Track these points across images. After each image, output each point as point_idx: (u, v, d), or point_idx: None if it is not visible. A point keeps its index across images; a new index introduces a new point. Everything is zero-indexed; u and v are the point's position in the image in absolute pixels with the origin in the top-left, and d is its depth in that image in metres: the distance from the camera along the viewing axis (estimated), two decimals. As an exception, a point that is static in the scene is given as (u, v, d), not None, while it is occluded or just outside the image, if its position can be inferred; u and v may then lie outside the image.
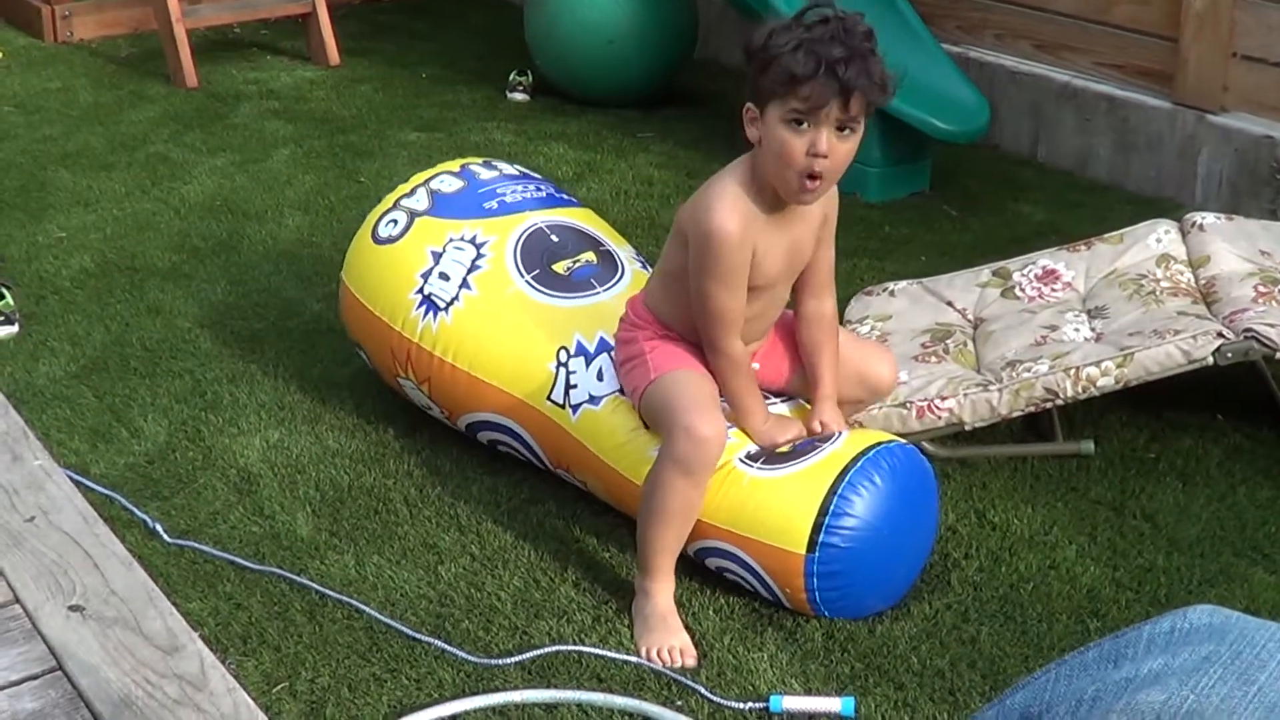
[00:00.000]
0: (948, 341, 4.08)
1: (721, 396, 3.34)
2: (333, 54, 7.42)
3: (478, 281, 3.75)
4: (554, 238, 3.84)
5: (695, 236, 3.23)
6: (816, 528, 3.15)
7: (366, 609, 3.29)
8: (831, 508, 3.15)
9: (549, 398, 3.59)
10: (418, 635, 3.21)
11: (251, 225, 5.39)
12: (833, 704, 2.98)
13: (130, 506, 3.67)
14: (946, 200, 5.67)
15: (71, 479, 3.75)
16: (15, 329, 4.54)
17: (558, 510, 3.63)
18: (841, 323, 4.29)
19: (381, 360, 3.93)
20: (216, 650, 3.16)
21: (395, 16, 8.35)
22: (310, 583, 3.39)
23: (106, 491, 3.72)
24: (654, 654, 3.15)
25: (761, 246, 3.22)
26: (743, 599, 3.32)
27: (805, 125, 3.09)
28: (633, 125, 6.47)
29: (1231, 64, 5.49)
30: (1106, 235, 4.37)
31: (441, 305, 3.75)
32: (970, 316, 4.25)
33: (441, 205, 3.92)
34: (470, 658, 3.13)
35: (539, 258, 3.77)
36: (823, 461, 3.24)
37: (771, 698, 3.00)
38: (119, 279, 4.95)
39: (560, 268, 3.76)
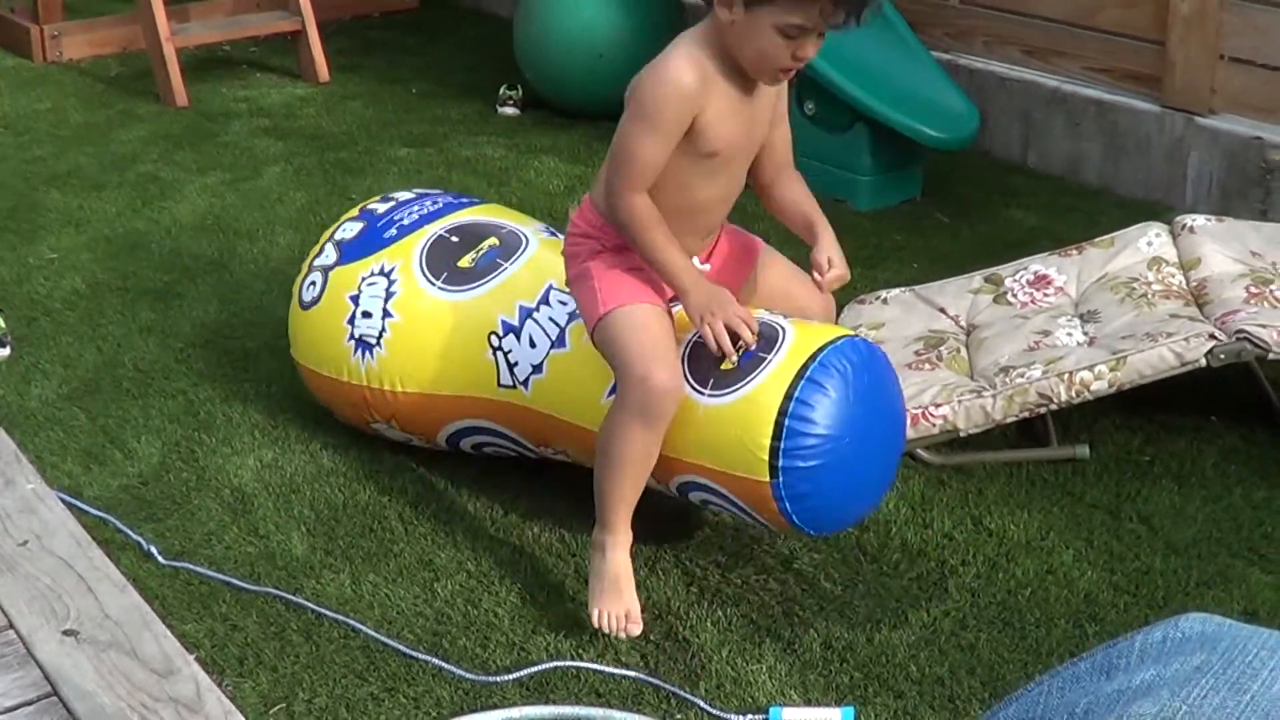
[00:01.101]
0: (941, 348, 4.08)
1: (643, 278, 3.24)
2: (322, 71, 7.42)
3: (396, 307, 3.76)
4: (454, 239, 3.85)
5: (642, 87, 3.14)
6: (774, 452, 3.11)
7: (363, 628, 3.29)
8: (785, 429, 3.11)
9: (499, 384, 3.60)
10: (415, 653, 3.20)
11: (243, 244, 5.38)
12: (833, 715, 2.97)
13: (124, 529, 3.66)
14: (938, 207, 5.67)
15: (65, 502, 3.74)
16: (7, 351, 4.53)
17: (553, 525, 3.62)
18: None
19: (351, 415, 3.95)
20: (213, 672, 3.15)
21: (385, 32, 8.35)
22: (306, 602, 3.38)
23: (100, 514, 3.71)
24: (601, 619, 3.16)
25: (715, 110, 3.11)
26: (740, 610, 3.32)
27: (796, 36, 3.00)
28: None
29: (1219, 66, 5.49)
30: (1097, 239, 4.37)
31: (373, 341, 3.76)
32: (963, 323, 4.25)
33: (347, 252, 3.92)
34: (468, 675, 3.12)
35: (443, 261, 3.79)
36: (769, 378, 3.16)
37: (771, 709, 3.00)
38: (111, 299, 4.94)
39: (465, 262, 3.77)
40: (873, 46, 5.78)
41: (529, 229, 3.91)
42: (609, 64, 6.49)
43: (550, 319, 3.56)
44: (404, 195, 4.12)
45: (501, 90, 6.94)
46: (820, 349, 3.19)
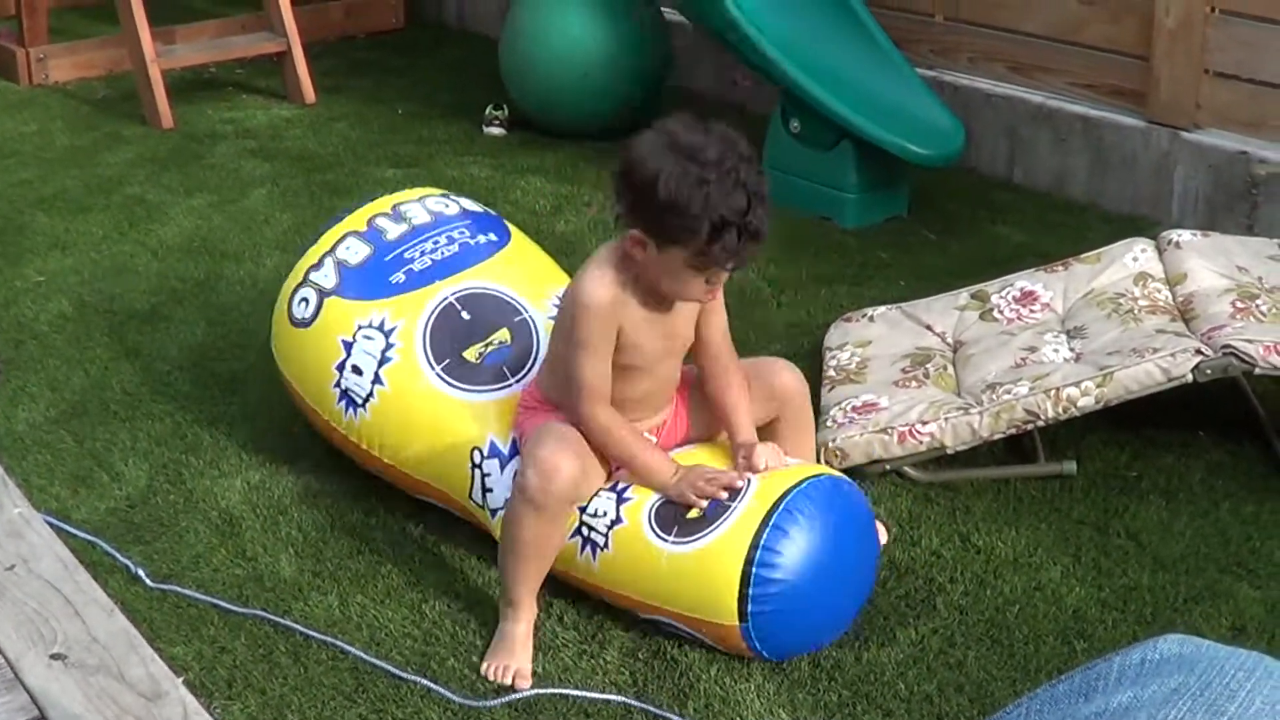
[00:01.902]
0: (928, 365, 4.09)
1: (618, 469, 3.34)
2: (308, 92, 7.42)
3: (389, 375, 3.68)
4: (465, 315, 3.73)
5: (566, 306, 3.26)
6: (743, 599, 3.12)
7: (351, 649, 3.28)
8: (753, 577, 3.12)
9: (470, 496, 3.57)
10: (404, 674, 3.20)
11: (229, 265, 5.38)
12: None
13: (112, 551, 3.66)
14: (924, 224, 5.67)
15: (52, 525, 3.73)
16: (-6, 376, 4.53)
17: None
18: (820, 350, 4.31)
19: (323, 435, 3.93)
20: (201, 695, 3.15)
21: (370, 53, 8.34)
22: (294, 624, 3.38)
23: (88, 537, 3.71)
24: (491, 670, 3.20)
25: (631, 326, 3.21)
26: (728, 629, 3.31)
27: (707, 268, 3.11)
28: (609, 157, 6.35)
29: (1204, 81, 5.50)
30: (1084, 255, 4.38)
31: (359, 401, 3.72)
32: (949, 340, 4.26)
33: (347, 282, 3.83)
34: (456, 698, 3.12)
35: (449, 344, 3.69)
36: (735, 526, 3.17)
37: None
38: (98, 322, 4.93)
39: (472, 354, 3.67)
40: (858, 63, 5.79)
41: (542, 316, 3.75)
42: (595, 83, 6.50)
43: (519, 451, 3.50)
44: (417, 214, 3.97)
45: (488, 110, 6.94)
46: (784, 494, 3.20)
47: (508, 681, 3.16)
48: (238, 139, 6.86)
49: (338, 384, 3.75)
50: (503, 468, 3.49)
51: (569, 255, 5.26)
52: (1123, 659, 1.10)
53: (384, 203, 4.04)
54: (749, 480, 3.25)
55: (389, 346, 3.71)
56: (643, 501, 3.28)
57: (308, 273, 3.91)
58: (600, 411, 3.23)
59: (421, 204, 4.04)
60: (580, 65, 6.49)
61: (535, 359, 3.66)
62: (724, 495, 3.19)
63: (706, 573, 3.16)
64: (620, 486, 3.32)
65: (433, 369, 3.66)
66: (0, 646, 3.24)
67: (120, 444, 4.16)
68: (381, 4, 8.76)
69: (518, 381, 3.62)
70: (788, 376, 3.50)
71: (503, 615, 3.28)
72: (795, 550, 3.13)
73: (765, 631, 3.13)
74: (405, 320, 3.73)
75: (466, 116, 7.06)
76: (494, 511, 3.49)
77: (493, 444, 3.53)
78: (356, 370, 3.72)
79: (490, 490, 3.51)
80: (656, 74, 6.73)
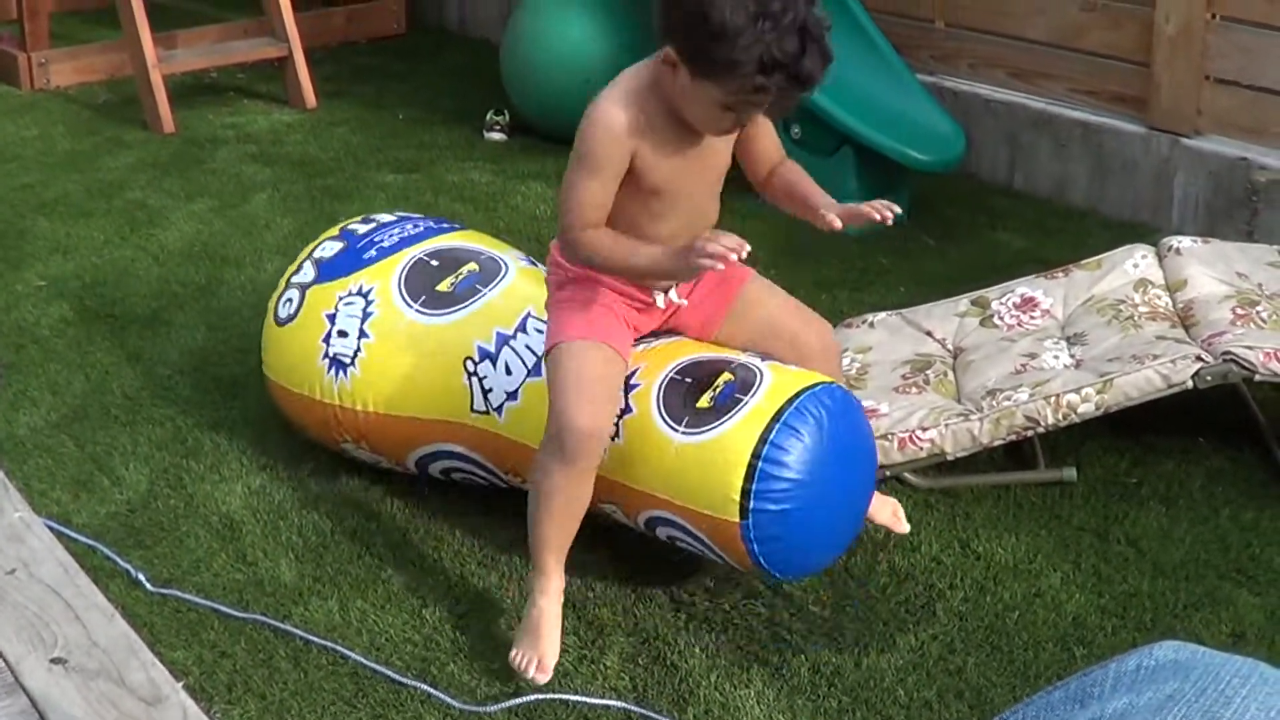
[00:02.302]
0: (928, 372, 4.09)
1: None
2: (309, 97, 7.42)
3: (373, 328, 3.78)
4: (434, 263, 3.87)
5: (580, 128, 3.10)
6: (745, 494, 3.13)
7: (352, 654, 3.28)
8: (757, 472, 3.12)
9: (472, 409, 3.60)
10: (404, 679, 3.20)
11: (230, 270, 5.38)
12: None
13: (113, 556, 3.66)
14: (925, 230, 5.67)
15: (53, 529, 3.74)
16: (-5, 380, 4.54)
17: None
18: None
19: (320, 433, 3.95)
20: (201, 700, 3.15)
21: (372, 58, 8.35)
22: (295, 629, 3.38)
23: (89, 541, 3.71)
24: (513, 658, 3.17)
25: (652, 149, 3.07)
26: (728, 636, 3.32)
27: (740, 109, 2.97)
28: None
29: (1204, 87, 5.51)
30: (1084, 261, 4.38)
31: (347, 360, 3.78)
32: (950, 346, 4.26)
33: (325, 271, 3.94)
34: (456, 703, 3.12)
35: (422, 285, 3.80)
36: (745, 419, 3.18)
37: None
38: (99, 327, 4.94)
39: (444, 286, 3.79)
40: (858, 70, 5.79)
41: (508, 256, 3.92)
42: (596, 88, 6.47)
43: (527, 346, 3.57)
44: (385, 217, 4.14)
45: (489, 115, 6.94)
46: (796, 394, 3.22)
47: (530, 674, 3.14)
48: (239, 144, 6.86)
49: (325, 355, 3.81)
50: (494, 364, 3.58)
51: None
52: (1118, 666, 1.10)
53: (355, 218, 4.22)
54: (760, 374, 3.24)
55: (369, 304, 3.81)
56: (650, 388, 3.30)
57: (290, 278, 4.02)
58: (590, 233, 3.10)
59: (389, 213, 4.23)
60: (582, 71, 6.48)
61: (504, 274, 3.79)
62: (733, 255, 2.94)
63: (713, 464, 3.17)
64: (628, 373, 3.32)
65: (410, 307, 3.77)
66: (1, 650, 3.24)
67: (121, 448, 4.17)
68: (383, 9, 8.77)
69: (490, 289, 3.74)
70: (812, 338, 3.43)
71: (531, 589, 3.25)
72: (802, 450, 3.15)
73: (764, 532, 3.13)
74: (380, 280, 3.85)
75: (467, 122, 7.06)
76: (499, 410, 3.56)
77: (480, 348, 3.63)
78: (342, 334, 3.80)
79: (490, 390, 3.58)
80: (657, 79, 6.73)
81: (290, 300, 3.94)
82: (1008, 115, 6.12)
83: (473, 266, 3.83)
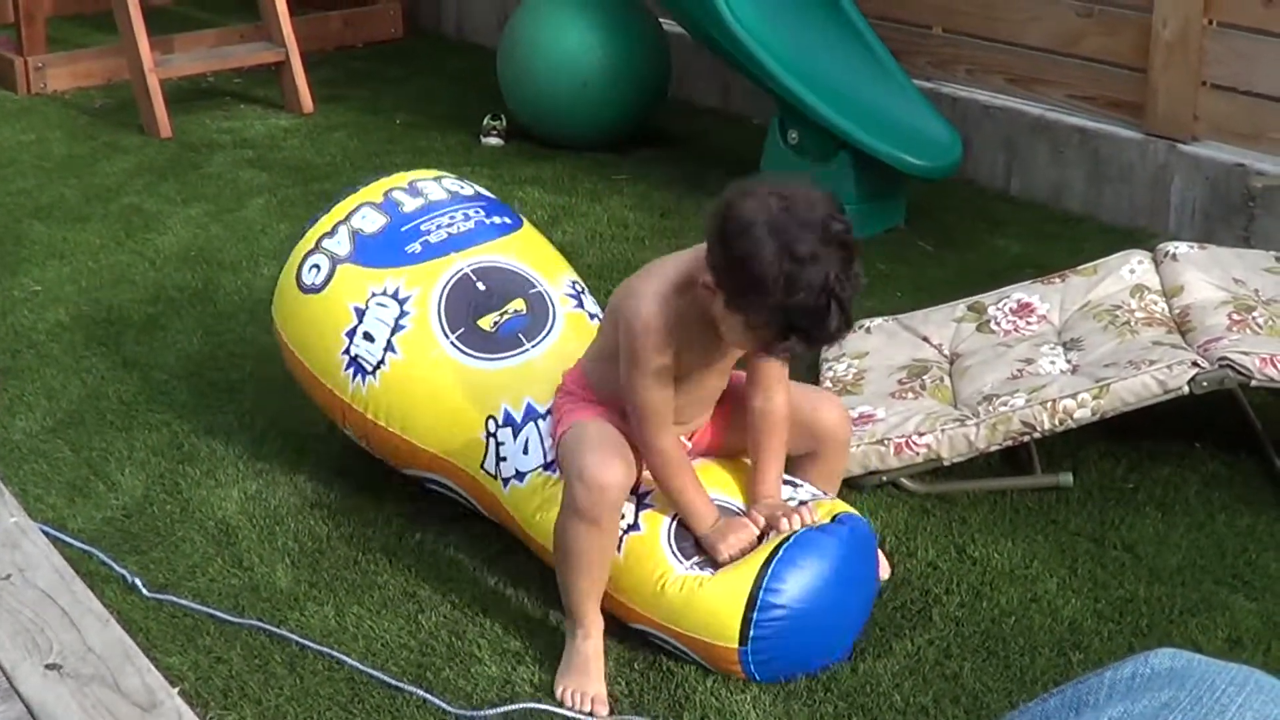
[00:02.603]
0: (924, 377, 4.09)
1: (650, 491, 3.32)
2: (306, 102, 7.42)
3: (402, 343, 3.67)
4: (480, 285, 3.73)
5: (623, 327, 3.15)
6: (745, 622, 3.11)
7: (348, 660, 3.28)
8: (759, 601, 3.11)
9: (482, 466, 3.56)
10: (400, 685, 3.20)
11: (227, 275, 5.38)
12: None
13: (109, 561, 3.65)
14: (922, 235, 5.67)
15: (49, 534, 3.73)
16: (-9, 385, 4.54)
17: (537, 557, 3.61)
18: (817, 360, 4.30)
19: (325, 411, 3.91)
20: (197, 705, 3.15)
21: (368, 63, 8.35)
22: (291, 634, 3.37)
23: (84, 546, 3.71)
24: (566, 696, 3.17)
25: (683, 344, 3.13)
26: (724, 640, 3.31)
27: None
28: (607, 167, 6.47)
29: (1201, 93, 5.51)
30: (1081, 267, 4.38)
31: (369, 368, 3.69)
32: (946, 351, 4.26)
33: (362, 250, 3.80)
34: (451, 709, 3.12)
35: (464, 312, 3.68)
36: (750, 558, 3.19)
37: None
38: (94, 332, 4.93)
39: (487, 323, 3.67)
40: (856, 75, 5.80)
41: (557, 292, 3.79)
42: (593, 94, 6.50)
43: (552, 435, 3.48)
44: (434, 191, 3.96)
45: (485, 121, 6.94)
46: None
47: (586, 708, 3.13)
48: (235, 149, 6.86)
49: (346, 350, 3.71)
50: (515, 435, 3.50)
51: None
52: (1114, 673, 1.10)
53: (400, 178, 4.03)
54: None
55: (403, 314, 3.69)
56: (663, 513, 3.28)
57: (320, 240, 3.87)
58: (663, 439, 3.19)
59: (438, 183, 4.04)
60: (578, 76, 6.49)
61: (550, 328, 3.69)
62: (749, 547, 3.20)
63: (714, 597, 3.16)
64: (642, 491, 3.32)
65: (447, 337, 3.65)
66: (-4, 656, 3.23)
67: (117, 453, 4.16)
68: (380, 14, 8.77)
69: (534, 347, 3.63)
70: (831, 414, 3.45)
71: (569, 632, 3.25)
72: (804, 579, 3.12)
73: (763, 656, 3.13)
74: (420, 289, 3.72)
75: (464, 127, 7.06)
76: (505, 481, 3.50)
77: (507, 413, 3.53)
78: (368, 337, 3.70)
79: (504, 459, 3.51)
80: (655, 85, 6.73)
81: (317, 268, 3.81)
82: (1005, 121, 6.13)
83: (519, 306, 3.71)
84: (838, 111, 5.55)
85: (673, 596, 3.19)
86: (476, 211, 3.95)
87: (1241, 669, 1.07)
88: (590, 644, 3.22)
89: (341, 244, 3.84)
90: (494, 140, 6.88)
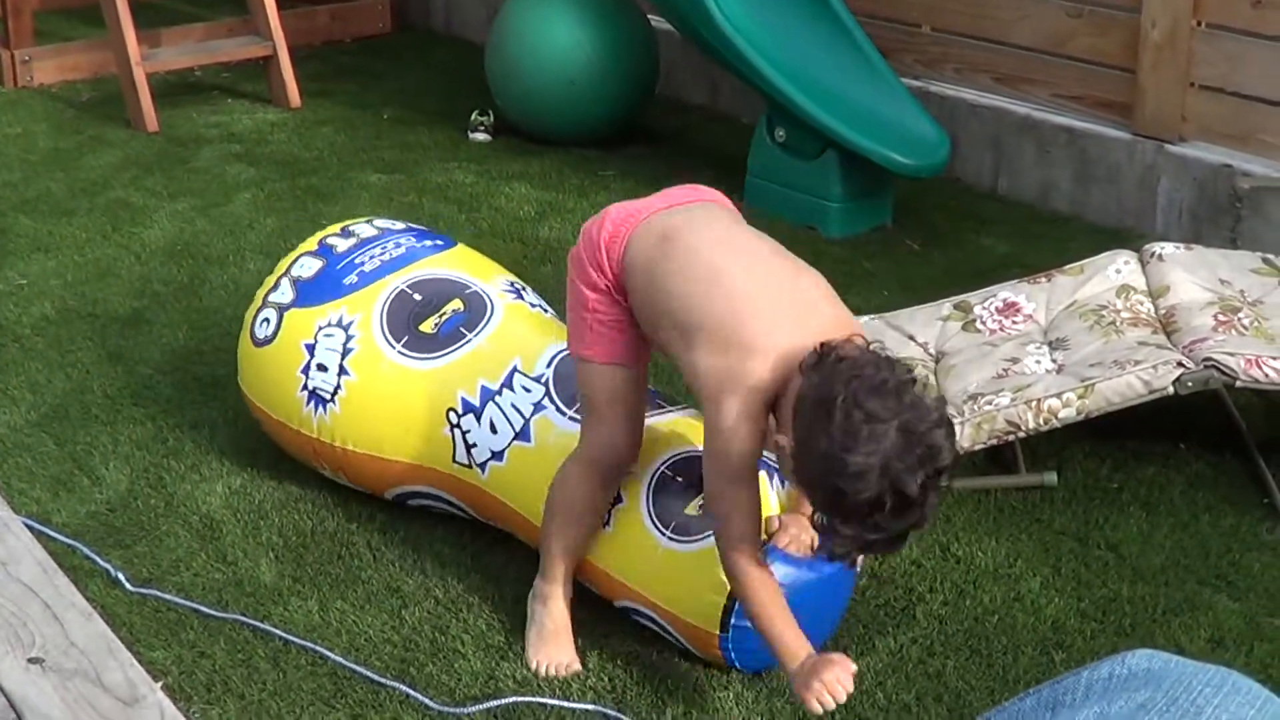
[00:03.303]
0: (910, 375, 4.08)
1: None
2: (294, 96, 7.41)
3: (353, 365, 3.70)
4: (416, 296, 3.77)
5: (711, 420, 2.89)
6: (728, 610, 3.10)
7: (331, 655, 3.28)
8: None
9: (454, 460, 3.57)
10: (383, 680, 3.20)
11: (213, 270, 5.37)
12: None
13: (92, 555, 3.65)
14: (908, 234, 5.68)
15: (33, 529, 3.73)
16: (-25, 378, 4.52)
17: (521, 553, 3.60)
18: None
19: (298, 457, 3.92)
20: (180, 699, 3.14)
21: (356, 58, 8.34)
22: (274, 629, 3.37)
23: (68, 540, 3.70)
24: (541, 668, 3.20)
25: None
26: (708, 638, 3.31)
27: None
28: (595, 164, 6.47)
29: (1189, 94, 5.51)
30: (1067, 267, 4.38)
31: (326, 396, 3.72)
32: (932, 350, 4.26)
33: (304, 293, 3.86)
34: (434, 704, 3.11)
35: (405, 322, 3.72)
36: None
37: None
38: (80, 325, 4.93)
39: (428, 326, 3.71)
40: (844, 73, 5.80)
41: (494, 289, 3.84)
42: (581, 90, 6.50)
43: (514, 406, 3.51)
44: (365, 230, 4.03)
45: (473, 116, 6.94)
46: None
47: (564, 675, 3.18)
48: (222, 143, 6.85)
49: (304, 387, 3.75)
50: (479, 420, 3.52)
51: (552, 263, 5.28)
52: (1090, 673, 1.10)
53: (334, 227, 4.10)
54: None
55: (349, 339, 3.73)
56: (641, 481, 3.28)
57: (266, 296, 3.94)
58: (752, 560, 2.90)
59: (369, 224, 4.11)
60: (566, 72, 6.49)
61: (490, 317, 3.71)
62: (842, 698, 2.78)
63: (699, 574, 3.14)
64: None
65: (392, 348, 3.69)
66: (-22, 650, 3.23)
67: (101, 447, 4.15)
68: (368, 9, 8.76)
69: (476, 335, 3.67)
70: None
71: (539, 594, 3.28)
72: (793, 570, 3.10)
73: (743, 645, 3.12)
74: (361, 313, 3.77)
75: (452, 122, 7.05)
76: (483, 466, 3.52)
77: (464, 400, 3.57)
78: (321, 368, 3.74)
79: (474, 445, 3.53)
80: (643, 82, 6.73)
81: (268, 321, 3.87)
82: (993, 120, 6.13)
83: (457, 305, 3.75)
84: (825, 109, 5.55)
85: (659, 569, 3.20)
86: (407, 239, 4.00)
87: (1219, 670, 1.07)
88: (558, 608, 3.25)
89: (285, 294, 3.90)
90: (482, 136, 6.88)
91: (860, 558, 2.87)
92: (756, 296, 2.94)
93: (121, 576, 3.56)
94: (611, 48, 6.52)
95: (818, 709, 2.76)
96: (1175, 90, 5.53)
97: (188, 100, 7.50)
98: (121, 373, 4.59)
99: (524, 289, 3.94)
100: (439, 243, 4.04)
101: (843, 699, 2.76)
